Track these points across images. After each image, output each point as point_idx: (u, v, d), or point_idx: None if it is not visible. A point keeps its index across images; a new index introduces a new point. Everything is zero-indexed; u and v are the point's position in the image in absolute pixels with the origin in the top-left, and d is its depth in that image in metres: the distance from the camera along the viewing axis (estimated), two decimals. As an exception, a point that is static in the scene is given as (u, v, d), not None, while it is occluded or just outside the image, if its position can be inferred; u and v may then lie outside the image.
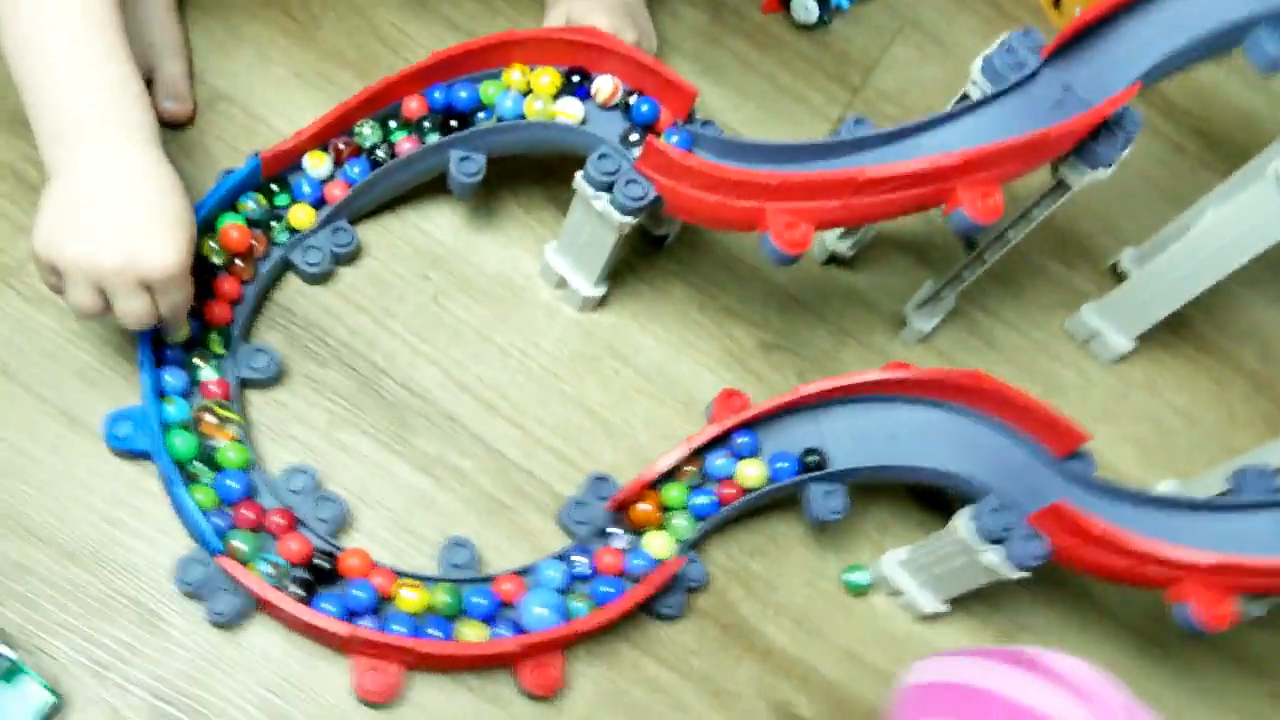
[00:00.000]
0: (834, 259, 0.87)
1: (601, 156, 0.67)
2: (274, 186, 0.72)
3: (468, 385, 0.73)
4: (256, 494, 0.63)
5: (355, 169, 0.73)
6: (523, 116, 0.71)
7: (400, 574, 0.63)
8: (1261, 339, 0.94)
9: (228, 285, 0.68)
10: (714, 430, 0.67)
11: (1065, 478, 0.69)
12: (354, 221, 0.75)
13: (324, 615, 0.59)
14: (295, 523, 0.62)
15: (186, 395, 0.64)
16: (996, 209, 0.62)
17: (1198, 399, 0.90)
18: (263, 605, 0.61)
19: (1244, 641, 0.80)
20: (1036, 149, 0.63)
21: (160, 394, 0.62)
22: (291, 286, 0.73)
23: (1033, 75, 0.66)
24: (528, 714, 0.65)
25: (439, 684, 0.64)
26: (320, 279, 0.73)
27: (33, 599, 0.59)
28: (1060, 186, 0.69)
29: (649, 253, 0.82)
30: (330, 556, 0.61)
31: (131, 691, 0.60)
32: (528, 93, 0.72)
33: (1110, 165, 0.67)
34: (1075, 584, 0.77)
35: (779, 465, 0.69)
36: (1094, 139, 0.65)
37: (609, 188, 0.67)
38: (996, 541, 0.63)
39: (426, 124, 0.73)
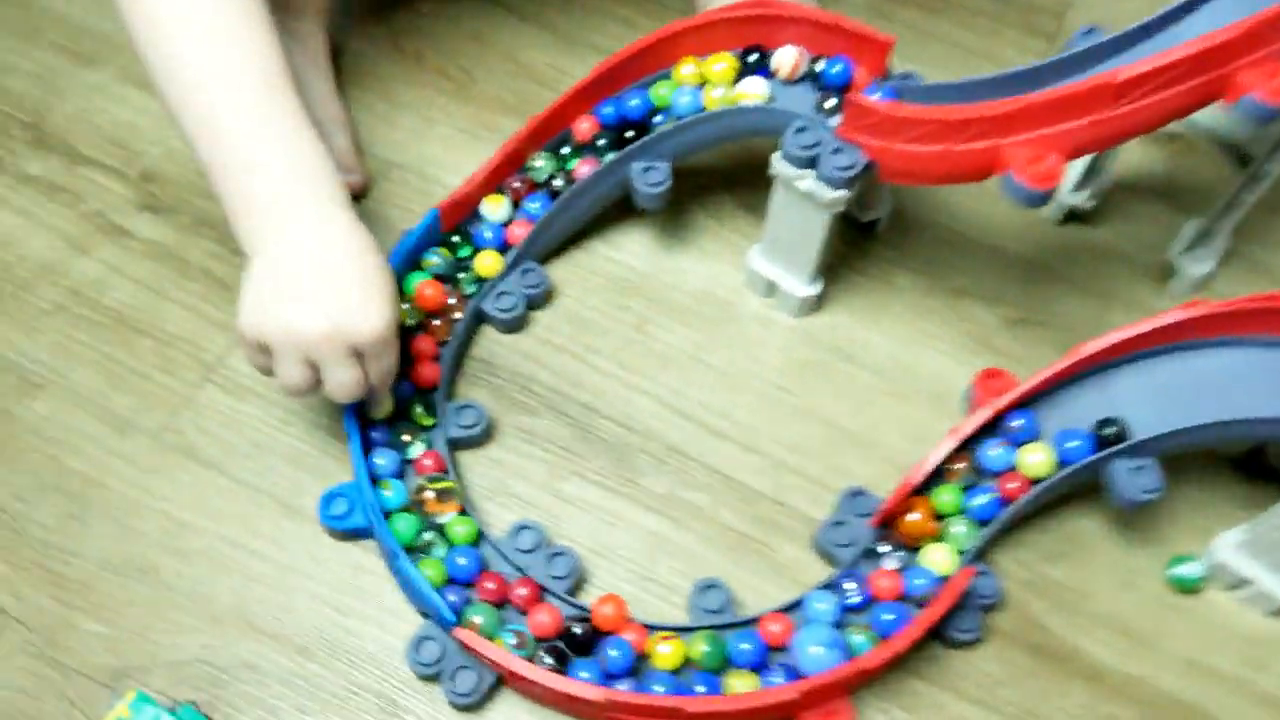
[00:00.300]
0: (1073, 215, 0.76)
1: (799, 130, 0.59)
2: (455, 238, 0.68)
3: (689, 413, 0.66)
4: (487, 564, 0.57)
5: (535, 204, 0.68)
6: (703, 110, 0.65)
7: (651, 627, 0.55)
8: None
9: (425, 346, 0.63)
10: (983, 415, 0.57)
11: None
12: (542, 261, 0.70)
13: (577, 682, 0.52)
14: (540, 591, 0.56)
15: (400, 475, 0.59)
16: (1294, 85, 0.51)
17: None
18: (509, 679, 0.54)
19: None
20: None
21: (374, 479, 0.58)
22: (488, 338, 0.68)
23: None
24: (822, 773, 0.55)
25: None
26: (516, 325, 0.68)
27: (267, 700, 0.55)
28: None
29: (860, 243, 0.74)
30: (583, 620, 0.55)
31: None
32: (703, 85, 0.66)
33: None
34: None
35: (1069, 445, 0.58)
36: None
37: (813, 163, 0.59)
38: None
39: (601, 142, 0.67)
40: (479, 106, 0.78)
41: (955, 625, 0.58)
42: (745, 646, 0.55)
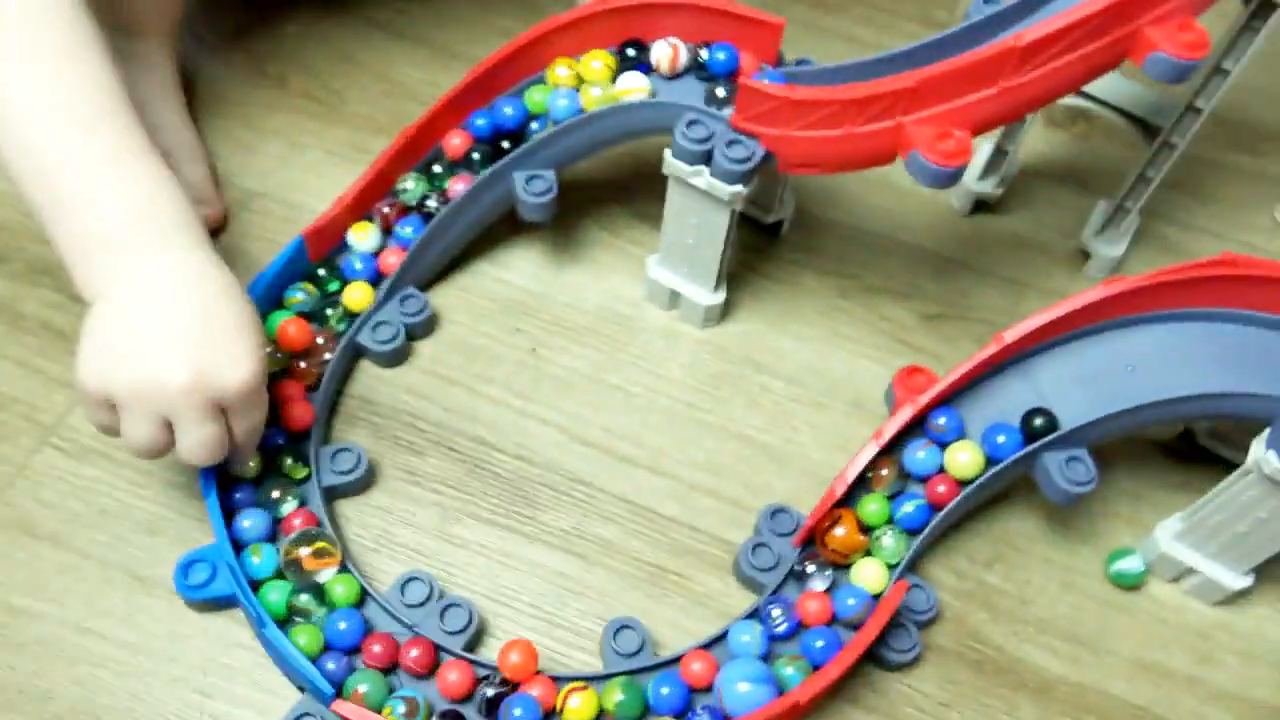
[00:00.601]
0: (980, 205, 0.74)
1: (690, 124, 0.55)
2: (321, 272, 0.62)
3: (592, 440, 0.60)
4: (373, 625, 0.51)
5: (407, 229, 0.63)
6: (583, 111, 0.60)
7: (560, 679, 0.50)
8: None
9: (292, 391, 0.57)
10: (905, 415, 0.53)
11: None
12: (422, 288, 0.64)
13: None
14: (435, 650, 0.50)
15: (271, 538, 0.53)
16: (1202, 40, 0.48)
17: None
18: (402, 755, 0.48)
19: None
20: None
21: (239, 546, 0.51)
22: (367, 374, 0.62)
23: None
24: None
25: (640, 809, 0.50)
26: (397, 358, 0.62)
27: (129, 807, 0.48)
28: (1266, 8, 0.54)
29: (764, 246, 0.70)
30: (495, 679, 0.49)
31: None
32: (580, 86, 0.61)
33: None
34: None
35: (997, 440, 0.54)
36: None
37: (707, 158, 0.55)
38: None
39: (476, 156, 0.62)
40: (351, 128, 0.73)
41: (891, 646, 0.54)
42: (666, 691, 0.49)
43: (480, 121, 0.63)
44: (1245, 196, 0.78)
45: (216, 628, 0.52)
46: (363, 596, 0.52)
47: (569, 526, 0.57)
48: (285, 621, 0.50)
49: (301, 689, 0.49)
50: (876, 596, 0.53)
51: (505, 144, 0.62)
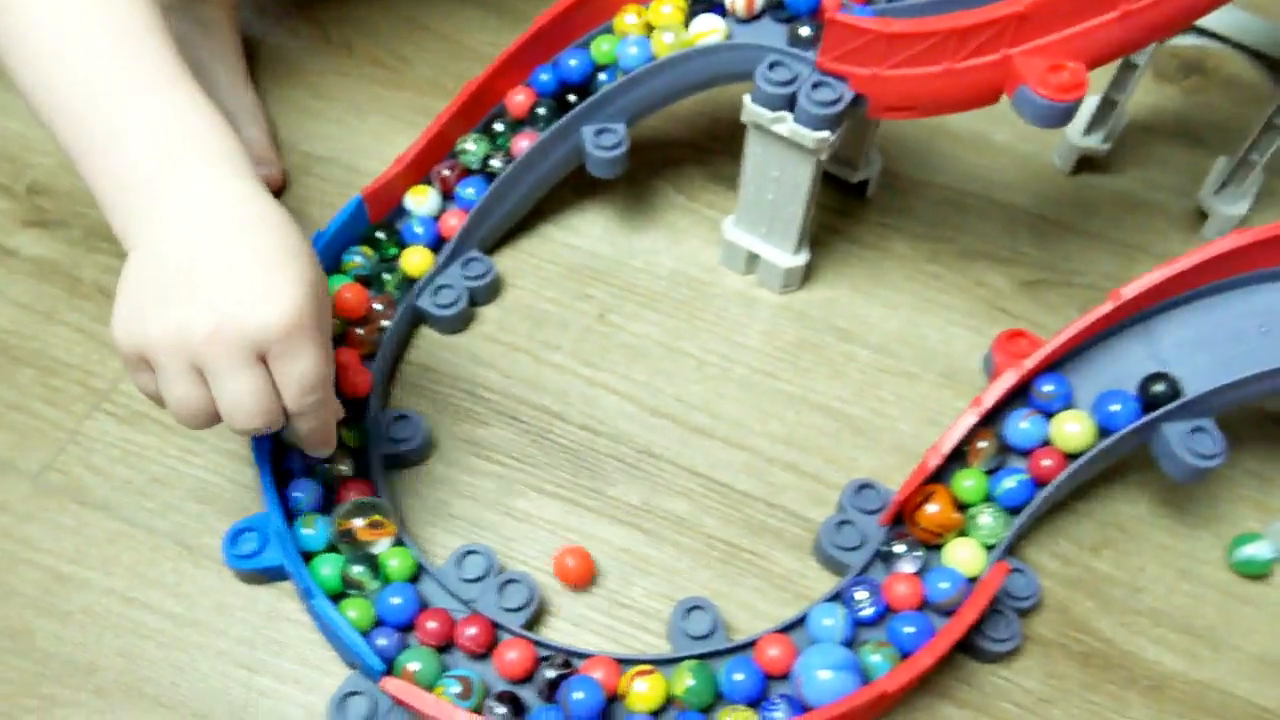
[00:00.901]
0: (1085, 163, 0.68)
1: (772, 65, 0.51)
2: (380, 235, 0.59)
3: (664, 410, 0.57)
4: (427, 600, 0.48)
5: (470, 190, 0.60)
6: (654, 59, 0.56)
7: (625, 660, 0.46)
8: None
9: (347, 358, 0.54)
10: (1008, 381, 0.48)
11: None
12: (487, 252, 0.61)
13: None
14: (493, 628, 0.47)
15: (324, 508, 0.50)
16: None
17: None
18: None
19: None
20: None
21: (292, 515, 0.49)
22: (428, 341, 0.59)
23: None
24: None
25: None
26: (460, 324, 0.59)
27: (171, 785, 0.46)
28: None
29: (850, 208, 0.66)
30: (556, 660, 0.46)
31: None
32: (651, 32, 0.57)
33: None
34: None
35: (1111, 409, 0.48)
36: None
37: (790, 103, 0.51)
38: None
39: (541, 111, 0.59)
40: (416, 92, 0.71)
41: (989, 634, 0.49)
42: (740, 677, 0.45)
43: (544, 76, 0.60)
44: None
45: (265, 600, 0.49)
46: (418, 571, 0.49)
47: (637, 501, 0.54)
48: (337, 596, 0.48)
49: (352, 665, 0.47)
50: (972, 580, 0.49)
51: (572, 98, 0.59)
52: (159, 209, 0.43)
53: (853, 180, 0.65)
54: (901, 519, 0.50)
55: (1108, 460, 0.50)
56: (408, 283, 0.59)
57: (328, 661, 0.48)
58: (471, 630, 0.46)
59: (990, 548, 0.50)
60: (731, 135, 0.54)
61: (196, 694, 0.47)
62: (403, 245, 0.60)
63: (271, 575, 0.49)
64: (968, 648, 0.49)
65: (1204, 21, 0.59)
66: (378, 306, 0.57)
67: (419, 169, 0.60)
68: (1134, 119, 0.70)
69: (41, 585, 0.49)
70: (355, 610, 0.46)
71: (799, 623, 0.48)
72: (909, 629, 0.47)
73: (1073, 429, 0.49)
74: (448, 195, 0.61)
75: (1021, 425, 0.49)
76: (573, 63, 0.59)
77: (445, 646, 0.47)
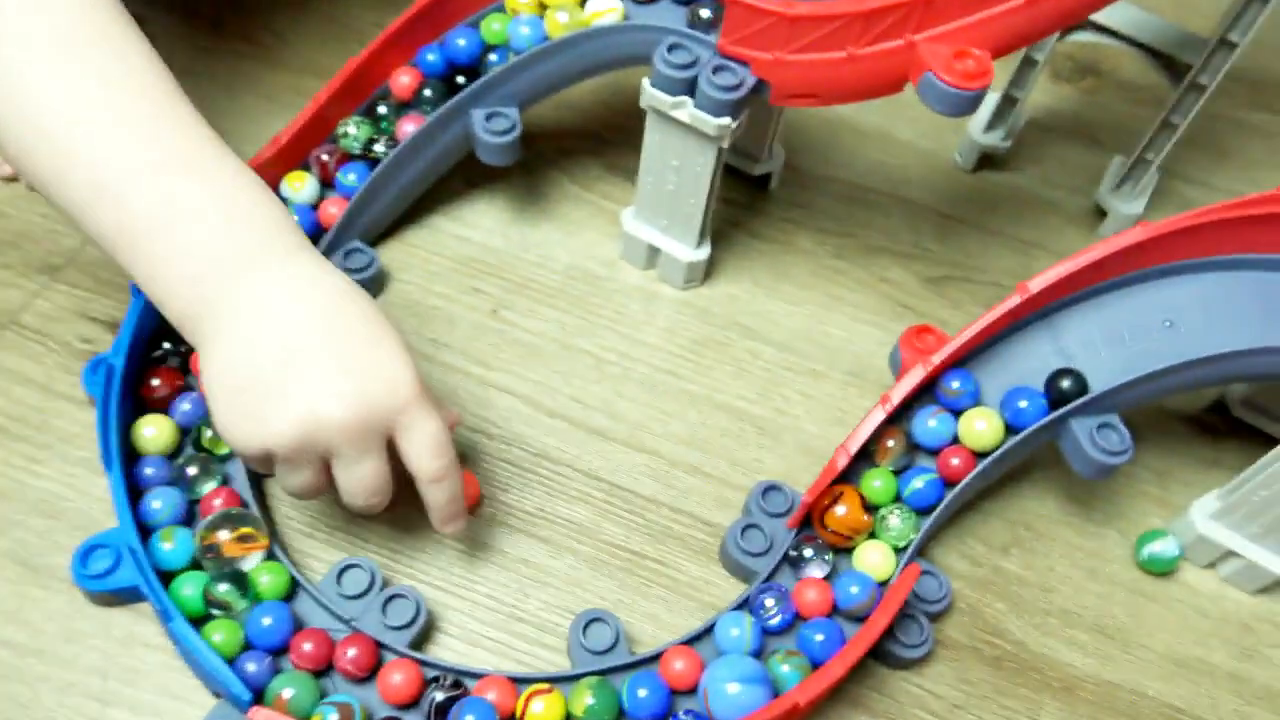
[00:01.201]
0: (986, 160, 0.67)
1: (671, 49, 0.48)
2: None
3: (560, 410, 0.54)
4: (303, 621, 0.44)
5: (350, 176, 0.56)
6: (547, 39, 0.53)
7: (521, 679, 0.43)
8: None
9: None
10: (916, 377, 0.47)
11: None
12: (370, 244, 0.57)
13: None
14: (377, 648, 0.43)
15: (188, 521, 0.45)
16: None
17: None
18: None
19: None
20: None
21: (148, 530, 0.44)
22: (305, 339, 0.54)
23: None
24: None
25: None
26: (339, 320, 0.54)
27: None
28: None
29: (753, 202, 0.64)
30: (446, 681, 0.42)
31: None
32: (544, 11, 0.54)
33: None
34: None
35: (1019, 406, 0.47)
36: None
37: (690, 87, 0.48)
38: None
39: (428, 94, 0.55)
40: (292, 72, 0.66)
41: (900, 640, 0.47)
42: (644, 693, 0.43)
43: (431, 56, 0.56)
44: (1260, 156, 0.72)
45: (121, 624, 0.45)
46: (293, 588, 0.45)
47: (533, 508, 0.51)
48: (202, 619, 0.43)
49: (217, 695, 0.42)
50: (883, 584, 0.47)
51: (460, 80, 0.55)
52: (242, 299, 0.40)
53: (755, 174, 0.63)
54: (810, 522, 0.48)
55: (1016, 458, 0.49)
56: (283, 277, 0.54)
57: (191, 690, 0.43)
58: (352, 651, 0.42)
59: (900, 549, 0.48)
60: (630, 124, 0.52)
61: (38, 732, 0.42)
62: (278, 237, 0.55)
63: (127, 596, 0.44)
64: (879, 654, 0.47)
65: (1101, 19, 0.59)
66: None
67: (296, 153, 0.56)
68: (1032, 119, 0.70)
69: None
70: (221, 633, 0.42)
71: (705, 633, 0.45)
72: (819, 637, 0.45)
73: (981, 426, 0.48)
74: (327, 182, 0.57)
75: (930, 424, 0.48)
76: (461, 42, 0.55)
77: (324, 670, 0.43)
